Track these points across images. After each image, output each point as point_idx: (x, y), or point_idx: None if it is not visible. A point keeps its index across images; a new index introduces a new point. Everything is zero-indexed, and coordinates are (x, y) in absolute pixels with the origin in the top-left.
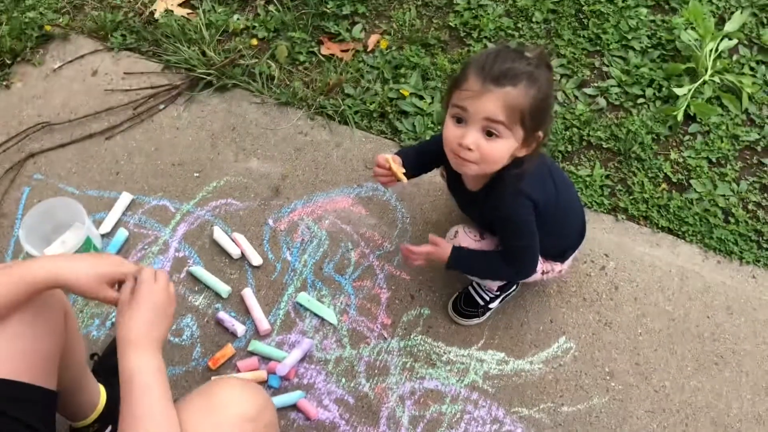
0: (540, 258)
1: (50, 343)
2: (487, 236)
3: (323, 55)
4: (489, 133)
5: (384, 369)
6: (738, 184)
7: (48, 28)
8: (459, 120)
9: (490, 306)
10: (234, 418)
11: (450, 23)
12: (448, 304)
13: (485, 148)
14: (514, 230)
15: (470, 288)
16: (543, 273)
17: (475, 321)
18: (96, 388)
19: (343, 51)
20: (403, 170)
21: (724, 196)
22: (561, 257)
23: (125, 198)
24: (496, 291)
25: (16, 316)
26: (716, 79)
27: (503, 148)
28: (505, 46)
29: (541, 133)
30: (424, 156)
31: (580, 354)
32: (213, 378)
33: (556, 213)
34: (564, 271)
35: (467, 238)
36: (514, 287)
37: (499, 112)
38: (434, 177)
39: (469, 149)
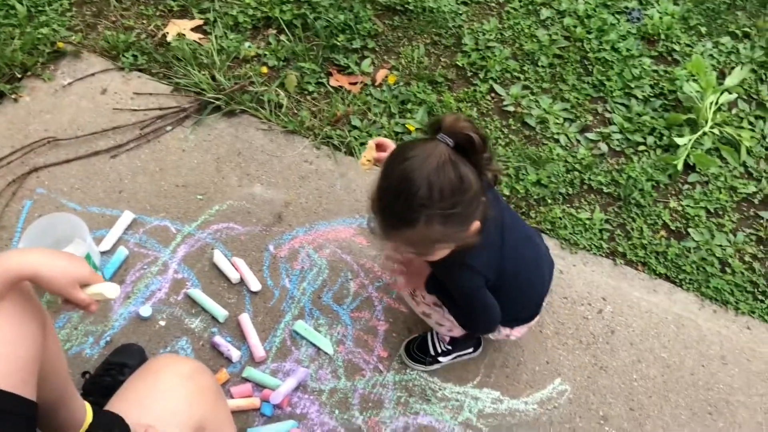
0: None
1: (26, 349)
2: None
3: (332, 87)
4: None
5: (378, 402)
6: (735, 235)
7: (60, 44)
8: None
9: (440, 359)
10: (172, 377)
11: (457, 62)
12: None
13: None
14: (462, 299)
15: (428, 334)
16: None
17: (420, 368)
18: (81, 405)
19: (351, 84)
20: (372, 157)
21: (721, 246)
22: (509, 323)
23: (127, 216)
24: (448, 345)
25: None
26: (716, 131)
27: (425, 261)
28: (400, 179)
29: (476, 223)
30: None
31: (574, 396)
32: None
33: (506, 283)
34: (515, 337)
35: None
36: (470, 350)
37: (408, 247)
38: None
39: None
